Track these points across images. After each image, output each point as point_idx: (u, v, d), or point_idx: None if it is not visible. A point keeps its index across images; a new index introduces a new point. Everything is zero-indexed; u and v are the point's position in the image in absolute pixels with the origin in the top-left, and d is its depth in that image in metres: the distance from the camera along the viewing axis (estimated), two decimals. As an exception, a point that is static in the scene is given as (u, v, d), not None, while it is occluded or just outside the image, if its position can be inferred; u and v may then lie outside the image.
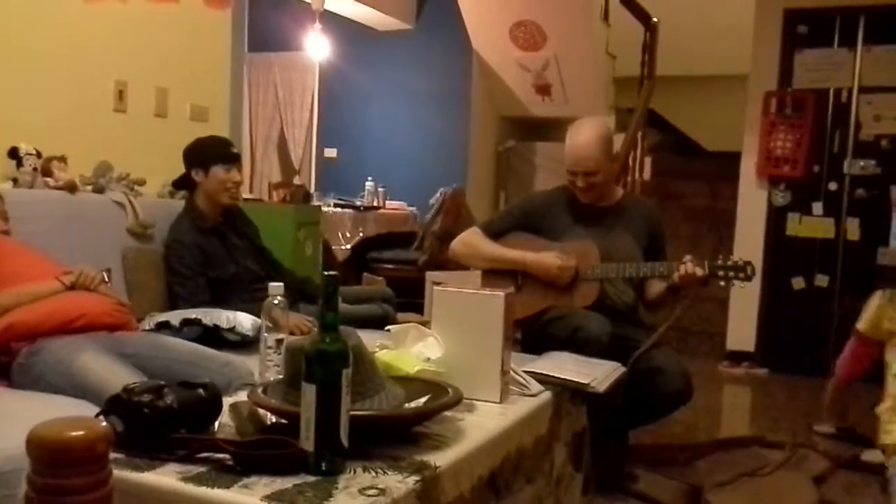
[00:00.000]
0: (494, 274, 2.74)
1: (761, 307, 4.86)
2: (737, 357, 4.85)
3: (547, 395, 1.91)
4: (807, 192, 4.76)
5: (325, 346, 1.27)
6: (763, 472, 2.69)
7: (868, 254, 4.58)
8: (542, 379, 1.96)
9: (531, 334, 2.68)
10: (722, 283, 2.53)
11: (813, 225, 4.72)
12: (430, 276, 4.86)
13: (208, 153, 2.84)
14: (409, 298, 4.26)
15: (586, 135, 2.69)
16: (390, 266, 5.50)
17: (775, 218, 4.84)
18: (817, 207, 4.73)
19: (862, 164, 4.63)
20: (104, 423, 1.07)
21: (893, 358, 1.79)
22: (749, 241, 4.86)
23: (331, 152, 6.51)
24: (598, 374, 2.06)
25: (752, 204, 4.90)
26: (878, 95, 4.62)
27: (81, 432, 0.93)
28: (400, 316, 3.30)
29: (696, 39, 6.49)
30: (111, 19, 3.18)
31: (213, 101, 3.77)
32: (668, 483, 2.62)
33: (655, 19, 5.61)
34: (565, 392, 2.00)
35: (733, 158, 5.06)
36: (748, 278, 2.48)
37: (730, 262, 2.49)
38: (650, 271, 2.62)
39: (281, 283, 1.74)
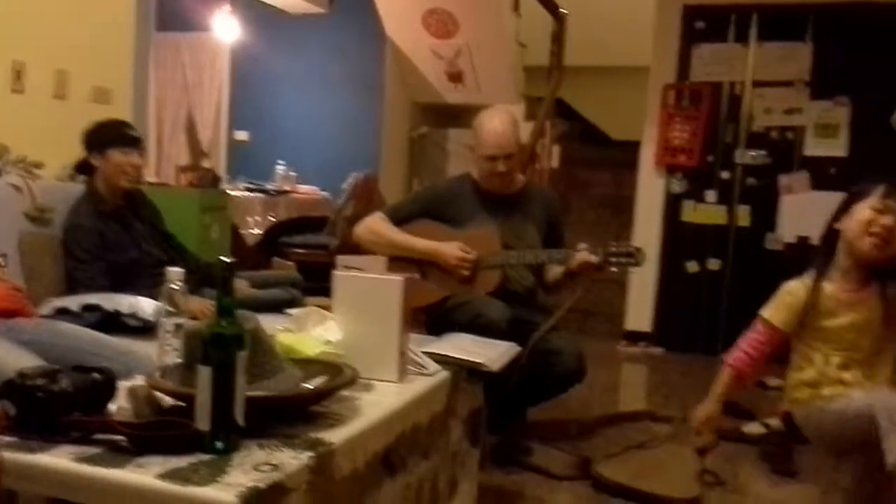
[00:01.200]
0: (400, 260, 2.79)
1: (658, 289, 5.10)
2: (634, 337, 5.08)
3: (444, 374, 2.00)
4: (701, 180, 5.00)
5: (220, 330, 1.32)
6: (651, 444, 2.86)
7: (757, 239, 4.87)
8: (440, 359, 2.04)
9: (435, 319, 2.77)
10: (614, 269, 2.66)
11: (707, 212, 4.97)
12: (341, 260, 4.89)
13: (106, 136, 2.79)
14: (320, 283, 4.25)
15: (504, 121, 2.79)
16: (302, 251, 5.49)
17: (672, 205, 5.08)
18: (711, 195, 4.98)
19: (753, 154, 4.90)
20: (-4, 406, 1.09)
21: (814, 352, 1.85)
22: (647, 227, 5.08)
23: (242, 135, 6.44)
24: (492, 353, 2.16)
25: (650, 191, 5.12)
26: (769, 89, 4.89)
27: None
28: (310, 300, 3.33)
29: (603, 31, 6.69)
30: (6, -3, 3.09)
31: (117, 82, 3.70)
32: (561, 455, 2.76)
33: (564, 10, 5.75)
34: (462, 371, 2.09)
35: (635, 147, 5.26)
36: (638, 263, 2.63)
37: (622, 249, 2.63)
38: (548, 258, 2.74)
39: (180, 269, 1.76)
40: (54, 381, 1.37)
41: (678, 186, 5.06)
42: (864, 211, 1.76)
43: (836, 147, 4.75)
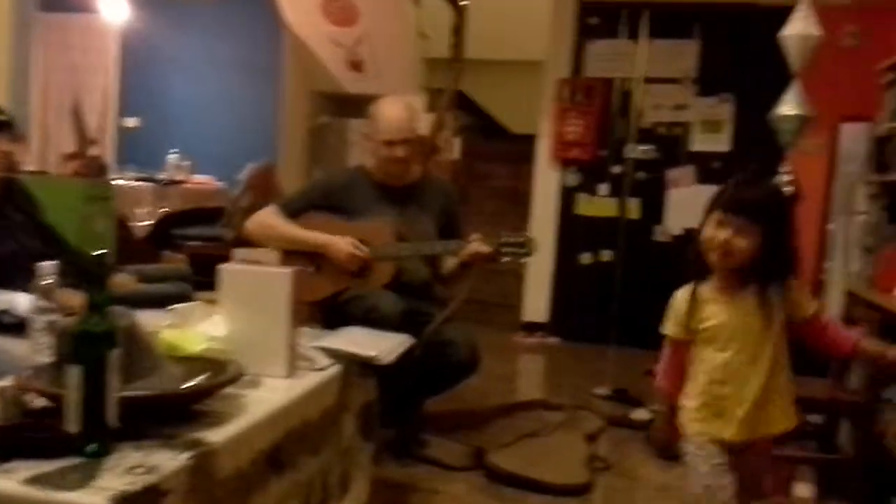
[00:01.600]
0: (293, 254, 2.72)
1: (554, 281, 5.21)
2: (531, 328, 5.18)
3: (335, 368, 1.98)
4: (594, 174, 5.15)
5: (90, 327, 1.26)
6: (543, 432, 2.92)
7: (646, 231, 5.05)
8: (332, 353, 2.03)
9: (330, 314, 2.74)
10: (507, 259, 2.69)
11: (599, 204, 5.11)
12: (238, 253, 4.79)
13: None
14: (215, 277, 4.14)
15: (401, 107, 2.81)
16: (196, 243, 5.34)
17: (566, 198, 5.20)
18: (603, 188, 5.13)
19: (643, 148, 5.06)
20: None
21: (701, 356, 1.89)
22: (543, 220, 5.19)
23: (132, 122, 6.18)
24: (385, 346, 2.16)
25: (546, 185, 5.23)
26: (658, 86, 5.06)
27: None
28: (206, 294, 3.23)
29: (503, 25, 6.75)
30: None
31: (-9, 64, 3.48)
32: (455, 447, 2.78)
33: (465, 2, 5.77)
34: (354, 365, 2.08)
35: (533, 140, 5.35)
36: (529, 253, 2.66)
37: (514, 239, 2.66)
38: (443, 249, 2.76)
39: (52, 262, 1.69)
40: None
41: (572, 180, 5.18)
42: (708, 225, 1.76)
43: (720, 142, 4.97)
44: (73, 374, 1.25)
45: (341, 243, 2.70)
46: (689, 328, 1.80)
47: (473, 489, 2.58)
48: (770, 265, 1.73)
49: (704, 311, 1.79)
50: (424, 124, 5.96)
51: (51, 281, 1.67)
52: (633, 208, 5.06)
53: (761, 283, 1.75)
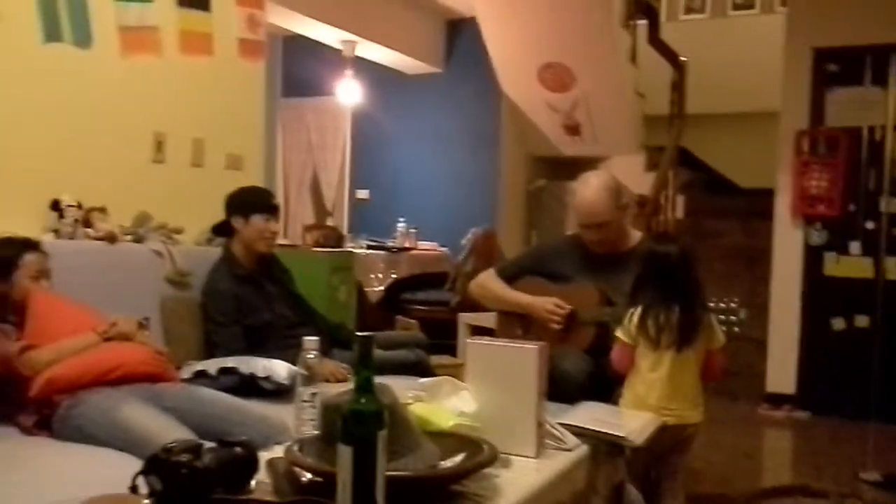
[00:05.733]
0: (507, 315, 2.90)
1: (801, 348, 4.77)
2: (777, 400, 4.74)
3: (583, 448, 1.89)
4: (843, 231, 4.69)
5: (360, 407, 1.27)
6: (806, 522, 2.62)
7: (908, 293, 4.49)
8: (578, 432, 1.94)
9: None
10: None
11: (851, 264, 4.63)
12: (463, 317, 4.88)
13: (250, 202, 2.90)
14: (441, 339, 4.26)
15: (594, 188, 2.77)
16: (423, 307, 5.50)
17: (812, 257, 4.78)
18: (855, 247, 4.65)
19: (899, 201, 4.55)
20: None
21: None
22: (786, 281, 4.80)
23: (363, 194, 6.58)
24: (633, 425, 2.03)
25: (787, 243, 4.84)
26: (912, 133, 4.56)
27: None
28: (434, 358, 3.31)
29: (726, 77, 6.48)
30: (149, 73, 3.26)
31: (248, 149, 3.83)
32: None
33: (684, 58, 5.62)
34: (601, 444, 1.97)
35: (767, 195, 5.02)
36: None
37: None
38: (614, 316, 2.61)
39: (315, 337, 1.76)
40: (198, 457, 1.36)
41: (818, 238, 4.76)
42: None
43: None
44: (345, 455, 1.26)
45: (542, 302, 2.77)
46: None
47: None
48: None
49: None
50: (646, 184, 5.81)
51: (315, 354, 1.73)
52: (892, 268, 4.52)
53: None
